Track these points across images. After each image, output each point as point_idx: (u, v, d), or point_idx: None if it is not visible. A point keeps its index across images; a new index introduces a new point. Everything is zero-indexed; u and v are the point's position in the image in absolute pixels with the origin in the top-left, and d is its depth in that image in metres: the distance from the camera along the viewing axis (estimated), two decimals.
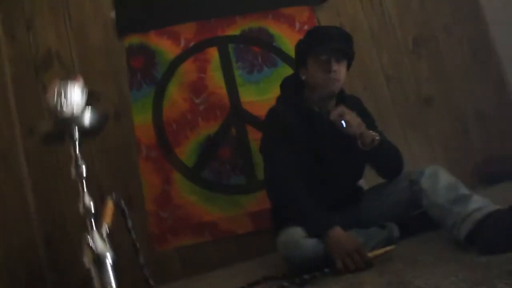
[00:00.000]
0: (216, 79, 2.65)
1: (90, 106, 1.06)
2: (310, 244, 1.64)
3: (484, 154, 2.83)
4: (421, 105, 2.85)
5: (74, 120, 1.05)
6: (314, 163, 1.86)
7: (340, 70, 1.86)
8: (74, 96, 1.05)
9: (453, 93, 2.90)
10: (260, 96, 2.62)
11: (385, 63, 2.86)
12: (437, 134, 2.83)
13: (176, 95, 2.60)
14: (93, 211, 1.01)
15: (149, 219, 2.47)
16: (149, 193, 2.50)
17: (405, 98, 2.84)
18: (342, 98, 1.96)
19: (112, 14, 2.62)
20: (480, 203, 1.50)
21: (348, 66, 1.95)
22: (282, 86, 2.06)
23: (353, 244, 1.58)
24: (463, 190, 1.59)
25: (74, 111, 1.04)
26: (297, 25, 2.78)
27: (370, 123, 1.94)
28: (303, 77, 1.94)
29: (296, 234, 1.68)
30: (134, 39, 2.62)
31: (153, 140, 2.55)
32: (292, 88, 1.98)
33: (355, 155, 1.86)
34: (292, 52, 2.57)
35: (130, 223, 1.31)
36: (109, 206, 1.16)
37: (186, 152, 2.56)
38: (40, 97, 2.48)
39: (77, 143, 1.05)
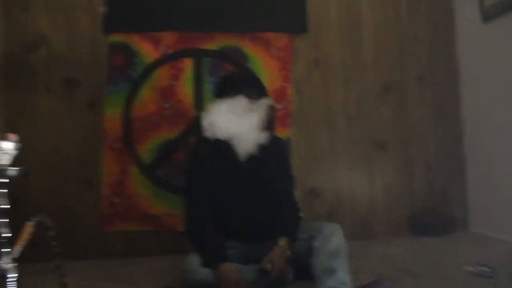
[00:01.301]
0: (186, 88, 2.86)
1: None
2: (201, 272, 1.94)
3: (422, 206, 3.04)
4: (374, 149, 3.03)
5: (2, 171, 1.28)
6: (230, 198, 2.09)
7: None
8: (7, 151, 1.31)
9: (408, 143, 3.06)
10: None
11: (350, 102, 3.02)
12: (382, 178, 3.03)
13: (147, 97, 2.84)
14: (7, 238, 1.25)
15: (102, 201, 2.80)
16: (107, 179, 2.81)
17: (360, 139, 3.02)
18: None
19: (102, 9, 2.81)
20: (336, 282, 1.78)
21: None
22: None
23: (236, 278, 1.87)
24: (338, 263, 1.84)
25: (5, 163, 1.28)
26: (273, 50, 2.93)
27: (283, 166, 2.21)
28: None
29: (193, 261, 1.97)
30: (118, 37, 2.83)
31: (118, 133, 2.82)
32: None
33: (266, 194, 2.10)
34: (263, 74, 2.82)
35: (53, 234, 1.54)
36: (27, 230, 1.37)
37: (146, 150, 2.83)
38: (26, 74, 2.77)
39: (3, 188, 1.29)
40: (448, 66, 3.10)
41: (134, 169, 2.83)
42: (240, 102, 2.07)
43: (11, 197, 1.23)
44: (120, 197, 2.81)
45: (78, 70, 2.82)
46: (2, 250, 1.25)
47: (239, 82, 2.17)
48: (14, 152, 1.29)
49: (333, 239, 1.92)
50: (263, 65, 2.92)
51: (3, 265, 1.23)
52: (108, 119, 2.82)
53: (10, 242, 1.26)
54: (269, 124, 2.20)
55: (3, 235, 1.24)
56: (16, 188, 1.28)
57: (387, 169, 3.04)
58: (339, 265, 1.83)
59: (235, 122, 2.05)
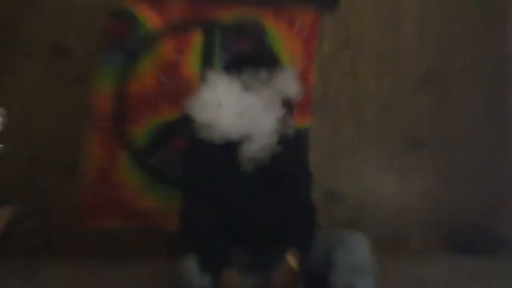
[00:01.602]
0: (192, 65, 2.54)
1: None
2: (199, 278, 1.64)
3: (463, 219, 2.72)
4: (409, 147, 2.74)
5: None
6: (234, 196, 1.82)
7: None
8: None
9: (449, 142, 2.77)
10: None
11: (383, 90, 2.75)
12: (416, 182, 2.73)
13: (146, 70, 2.50)
14: None
15: (84, 190, 2.43)
16: (92, 163, 2.44)
17: (393, 134, 2.74)
18: None
19: None
20: None
21: None
22: None
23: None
24: (361, 280, 1.67)
25: None
26: (298, 27, 2.62)
27: (300, 162, 1.93)
28: None
29: (190, 266, 1.68)
30: (120, 2, 2.51)
31: (109, 110, 2.48)
32: None
33: (277, 194, 1.82)
34: (284, 53, 2.57)
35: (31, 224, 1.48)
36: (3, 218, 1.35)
37: (140, 132, 2.48)
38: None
39: None
40: (498, 56, 2.83)
41: (124, 154, 2.47)
42: (252, 80, 1.82)
43: None
44: (105, 186, 2.44)
45: (69, 36, 2.60)
46: None
47: (255, 59, 1.92)
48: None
49: (357, 251, 1.74)
50: (285, 43, 2.61)
51: None
52: (99, 94, 2.47)
53: None
54: (286, 111, 1.88)
55: None
56: None
57: (423, 172, 2.75)
58: (363, 283, 1.67)
59: (243, 102, 1.80)
